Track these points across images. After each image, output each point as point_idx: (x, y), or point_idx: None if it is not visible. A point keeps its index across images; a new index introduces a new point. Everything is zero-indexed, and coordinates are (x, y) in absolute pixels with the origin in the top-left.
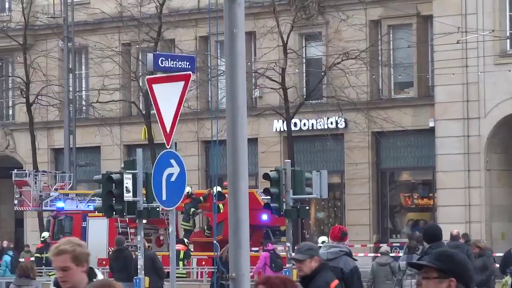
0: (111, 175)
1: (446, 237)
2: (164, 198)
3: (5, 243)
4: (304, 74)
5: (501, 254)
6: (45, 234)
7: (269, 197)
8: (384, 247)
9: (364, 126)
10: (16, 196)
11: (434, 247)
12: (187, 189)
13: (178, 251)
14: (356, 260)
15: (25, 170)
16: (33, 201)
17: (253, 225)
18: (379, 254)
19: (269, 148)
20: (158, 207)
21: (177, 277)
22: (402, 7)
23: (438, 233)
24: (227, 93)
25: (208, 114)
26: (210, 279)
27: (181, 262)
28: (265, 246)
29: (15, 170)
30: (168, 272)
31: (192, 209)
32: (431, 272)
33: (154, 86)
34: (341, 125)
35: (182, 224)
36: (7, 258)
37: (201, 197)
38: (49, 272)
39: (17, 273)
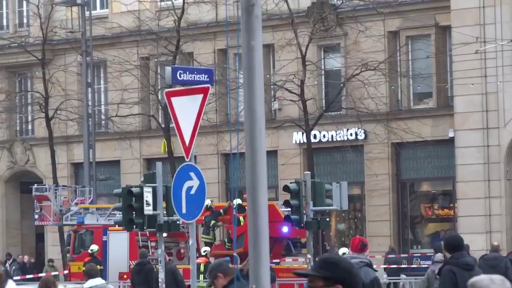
0: (131, 189)
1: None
2: (184, 211)
3: (26, 258)
4: (323, 85)
5: None
6: (94, 247)
7: (290, 209)
8: (439, 255)
9: (383, 137)
10: (37, 211)
11: (456, 257)
12: (207, 201)
13: (198, 264)
14: (376, 271)
15: (45, 185)
16: (53, 215)
17: (274, 237)
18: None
19: (288, 160)
20: (179, 220)
21: None
22: (420, 18)
23: (460, 243)
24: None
25: (227, 127)
26: None
27: (202, 275)
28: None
29: (35, 185)
30: (189, 286)
31: (213, 222)
32: (317, 281)
33: (173, 99)
34: (361, 136)
35: (203, 237)
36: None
37: (221, 210)
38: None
39: (39, 287)
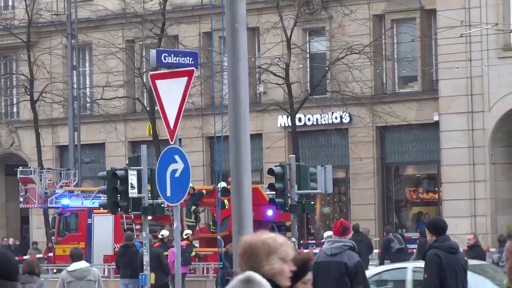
0: (116, 172)
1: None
2: (168, 194)
3: (10, 241)
4: (308, 69)
5: None
6: (165, 232)
7: (274, 193)
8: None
9: (368, 121)
10: (22, 194)
11: (440, 240)
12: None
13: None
14: (359, 254)
15: (30, 168)
16: (38, 198)
17: (258, 220)
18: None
19: (273, 144)
20: (163, 203)
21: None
22: (405, 1)
23: (444, 226)
24: (229, 88)
25: (212, 110)
26: (215, 275)
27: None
28: (171, 243)
29: (20, 167)
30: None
31: (193, 207)
32: None
33: (158, 82)
34: (346, 119)
35: (186, 220)
36: None
37: (203, 191)
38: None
39: (22, 269)
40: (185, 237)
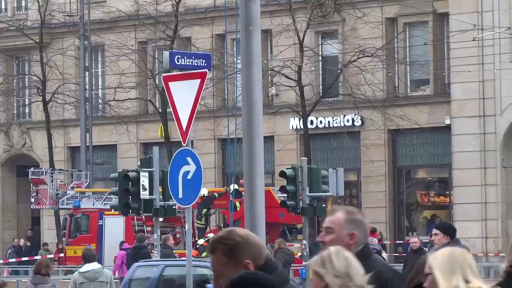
0: (128, 173)
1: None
2: (180, 196)
3: (21, 242)
4: (320, 71)
5: None
6: (210, 235)
7: (286, 195)
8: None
9: (380, 124)
10: (33, 195)
11: (452, 244)
12: (203, 191)
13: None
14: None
15: (41, 169)
16: (49, 199)
17: (270, 222)
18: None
19: (285, 146)
20: (175, 205)
21: None
22: (418, 5)
23: (455, 229)
24: (242, 90)
25: (225, 112)
26: None
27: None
28: (121, 246)
29: (32, 168)
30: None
31: (204, 210)
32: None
33: (170, 84)
34: (357, 122)
35: (196, 222)
36: None
37: (215, 193)
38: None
39: (34, 270)
40: (206, 239)
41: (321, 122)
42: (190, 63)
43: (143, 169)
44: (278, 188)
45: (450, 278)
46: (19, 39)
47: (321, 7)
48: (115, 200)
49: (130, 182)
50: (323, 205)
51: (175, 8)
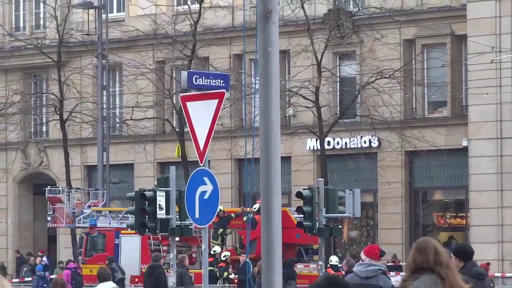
0: (144, 193)
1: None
2: (197, 216)
3: (37, 260)
4: (338, 92)
5: None
6: (226, 253)
7: (302, 216)
8: None
9: (397, 145)
10: (49, 213)
11: (468, 266)
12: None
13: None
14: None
15: (58, 187)
16: (66, 218)
17: (286, 243)
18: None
19: (302, 167)
20: (191, 225)
21: None
22: (436, 27)
23: (472, 252)
24: (260, 111)
25: (242, 132)
26: None
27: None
28: (67, 265)
29: (49, 187)
30: None
31: (221, 230)
32: None
33: (188, 103)
34: (375, 144)
35: (212, 242)
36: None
37: (232, 214)
38: None
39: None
40: (223, 259)
41: (338, 143)
42: (208, 83)
43: (160, 188)
44: (294, 209)
45: None
46: (37, 57)
47: (339, 28)
48: (131, 219)
49: (146, 202)
50: (339, 226)
51: (193, 27)
